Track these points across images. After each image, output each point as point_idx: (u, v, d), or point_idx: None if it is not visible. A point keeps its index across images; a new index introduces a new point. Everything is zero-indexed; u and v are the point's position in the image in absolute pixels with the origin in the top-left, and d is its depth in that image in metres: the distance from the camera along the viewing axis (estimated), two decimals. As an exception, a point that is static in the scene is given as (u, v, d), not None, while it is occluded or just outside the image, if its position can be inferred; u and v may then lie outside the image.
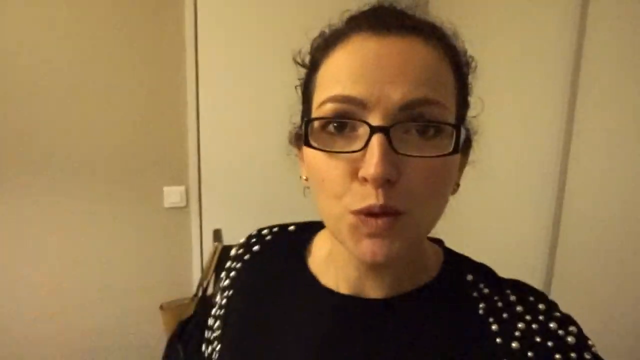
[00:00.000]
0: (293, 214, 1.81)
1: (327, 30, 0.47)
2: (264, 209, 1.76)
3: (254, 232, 0.66)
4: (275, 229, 0.65)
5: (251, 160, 1.72)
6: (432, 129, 0.39)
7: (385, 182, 0.38)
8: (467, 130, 0.47)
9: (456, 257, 0.54)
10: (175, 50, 1.62)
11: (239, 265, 0.62)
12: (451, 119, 0.41)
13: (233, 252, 0.65)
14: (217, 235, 1.68)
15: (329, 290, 0.52)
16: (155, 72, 1.63)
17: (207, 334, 0.63)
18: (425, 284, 0.50)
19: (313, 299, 0.53)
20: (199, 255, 1.73)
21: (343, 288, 0.51)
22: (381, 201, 0.38)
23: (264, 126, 1.71)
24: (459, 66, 0.44)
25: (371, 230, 0.40)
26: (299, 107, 0.51)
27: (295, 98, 0.51)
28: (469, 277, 0.51)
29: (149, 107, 1.63)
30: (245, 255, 0.63)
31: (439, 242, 0.56)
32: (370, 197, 0.39)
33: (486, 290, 0.49)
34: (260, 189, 1.74)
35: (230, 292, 0.61)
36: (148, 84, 1.63)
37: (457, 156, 0.42)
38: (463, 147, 0.45)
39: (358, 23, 0.43)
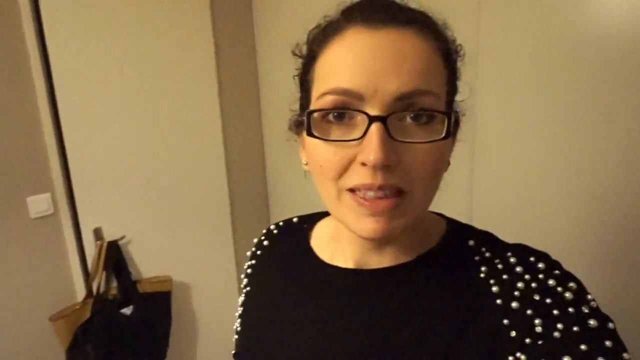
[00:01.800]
0: (172, 201, 1.90)
1: (323, 23, 0.48)
2: (143, 200, 1.78)
3: (264, 230, 0.70)
4: (281, 223, 0.69)
5: (122, 154, 1.70)
6: (425, 116, 0.41)
7: (385, 168, 0.40)
8: (457, 113, 0.49)
9: (458, 225, 0.55)
10: (12, 46, 1.48)
11: (253, 262, 0.68)
12: (442, 106, 0.43)
13: (249, 252, 0.70)
14: (97, 233, 1.67)
15: (336, 267, 0.55)
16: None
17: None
18: (428, 252, 0.52)
19: (320, 275, 0.56)
20: (77, 259, 1.68)
21: (348, 264, 0.54)
22: (379, 181, 0.41)
23: (131, 117, 1.71)
24: (449, 55, 0.46)
25: (374, 210, 0.42)
26: (297, 96, 0.53)
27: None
28: (471, 243, 0.51)
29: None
30: (257, 251, 0.68)
31: (437, 214, 0.58)
32: (367, 177, 0.41)
33: (487, 254, 0.49)
34: (136, 181, 1.76)
35: (248, 288, 0.66)
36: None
37: (449, 139, 0.44)
38: (455, 129, 0.49)
39: (353, 16, 0.44)
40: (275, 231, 0.68)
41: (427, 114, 0.41)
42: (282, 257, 0.63)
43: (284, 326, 0.56)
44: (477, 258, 0.49)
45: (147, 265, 1.82)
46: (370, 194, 0.42)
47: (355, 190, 0.43)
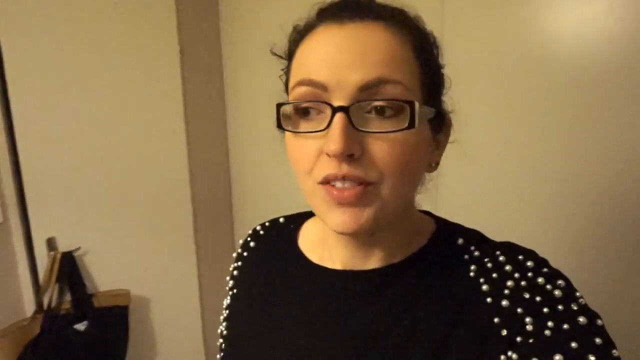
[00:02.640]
0: (132, 211, 1.83)
1: (300, 24, 0.50)
2: (100, 209, 1.70)
3: (250, 231, 0.69)
4: (267, 224, 0.68)
5: (79, 160, 1.63)
6: (388, 109, 0.42)
7: (347, 157, 0.41)
8: (439, 109, 0.49)
9: (447, 224, 0.56)
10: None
11: (239, 263, 0.67)
12: (412, 97, 0.43)
13: (234, 253, 0.69)
14: (51, 244, 1.58)
15: (323, 268, 0.55)
16: None
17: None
18: (417, 251, 0.52)
19: (308, 277, 0.56)
20: (27, 271, 1.58)
21: (337, 264, 0.54)
22: (343, 171, 0.41)
23: (88, 123, 1.64)
24: (421, 48, 0.46)
25: (340, 200, 0.42)
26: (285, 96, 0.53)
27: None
28: (460, 241, 0.52)
29: None
30: (244, 252, 0.67)
31: (427, 213, 0.58)
32: (332, 168, 0.42)
33: (476, 253, 0.50)
34: (94, 189, 1.68)
35: (234, 290, 0.66)
36: None
37: (422, 132, 0.44)
38: (438, 126, 0.49)
39: (325, 15, 0.46)
40: (261, 232, 0.68)
41: (391, 105, 0.42)
42: (269, 258, 0.63)
43: (272, 328, 0.56)
44: (466, 257, 0.50)
45: (104, 278, 1.73)
46: (338, 184, 0.42)
47: (324, 182, 0.43)
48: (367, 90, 0.41)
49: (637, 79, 0.95)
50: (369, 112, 0.42)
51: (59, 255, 1.56)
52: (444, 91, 0.51)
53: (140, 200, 1.79)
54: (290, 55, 0.50)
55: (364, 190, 0.42)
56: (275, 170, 1.86)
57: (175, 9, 1.74)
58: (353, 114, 0.41)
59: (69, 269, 1.59)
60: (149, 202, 1.82)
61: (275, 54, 0.53)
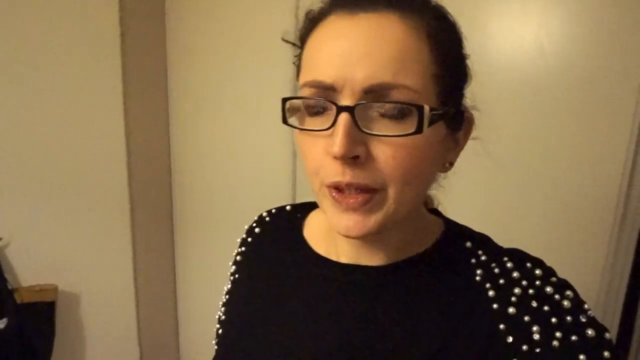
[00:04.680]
0: (61, 199, 1.72)
1: (313, 9, 0.48)
2: (25, 197, 1.57)
3: (256, 217, 0.68)
4: (273, 211, 0.67)
5: (1, 143, 1.51)
6: (397, 111, 0.40)
7: (352, 160, 0.40)
8: (459, 106, 0.47)
9: (455, 226, 0.55)
10: None
11: (243, 248, 0.65)
12: (421, 99, 0.40)
13: (239, 238, 0.67)
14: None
15: (327, 260, 0.54)
16: None
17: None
18: (424, 251, 0.51)
19: (313, 268, 0.55)
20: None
21: (342, 258, 0.53)
22: (347, 179, 0.40)
23: (16, 107, 1.52)
24: (440, 40, 0.43)
25: (346, 206, 0.42)
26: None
27: None
28: (468, 244, 0.51)
29: None
30: (248, 238, 0.66)
31: (435, 212, 0.57)
32: (337, 174, 0.41)
33: (484, 257, 0.49)
34: (18, 175, 1.55)
35: (237, 275, 0.64)
36: None
37: (434, 133, 0.42)
38: (458, 124, 0.46)
39: (337, 2, 0.44)
40: (267, 218, 0.66)
41: (399, 107, 0.40)
42: (274, 245, 0.62)
43: (273, 317, 0.55)
44: (473, 260, 0.49)
45: (29, 271, 1.60)
46: (345, 190, 0.42)
47: (330, 186, 0.43)
48: (372, 92, 0.40)
49: (566, 86, 1.04)
50: (376, 112, 0.41)
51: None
52: (466, 85, 0.48)
53: (70, 187, 1.68)
54: (301, 44, 0.48)
55: (370, 197, 0.41)
56: (216, 161, 1.84)
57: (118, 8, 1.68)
58: (359, 114, 0.39)
59: (-13, 260, 1.46)
60: (80, 190, 1.70)
61: (287, 41, 0.52)
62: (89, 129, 1.69)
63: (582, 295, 0.45)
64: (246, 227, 0.68)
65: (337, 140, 0.39)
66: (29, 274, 1.60)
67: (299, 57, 0.49)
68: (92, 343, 1.81)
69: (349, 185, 0.41)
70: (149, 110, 1.90)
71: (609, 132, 1.01)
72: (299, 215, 0.63)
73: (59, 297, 1.64)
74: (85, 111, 1.67)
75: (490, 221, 1.17)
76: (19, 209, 1.57)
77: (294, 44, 0.51)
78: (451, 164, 0.49)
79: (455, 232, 0.53)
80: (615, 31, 0.97)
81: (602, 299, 1.04)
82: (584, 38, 1.01)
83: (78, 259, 1.73)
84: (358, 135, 0.40)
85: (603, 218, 1.03)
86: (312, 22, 0.46)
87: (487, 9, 1.11)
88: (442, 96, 0.43)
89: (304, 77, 0.44)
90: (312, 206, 0.64)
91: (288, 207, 0.66)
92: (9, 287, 1.51)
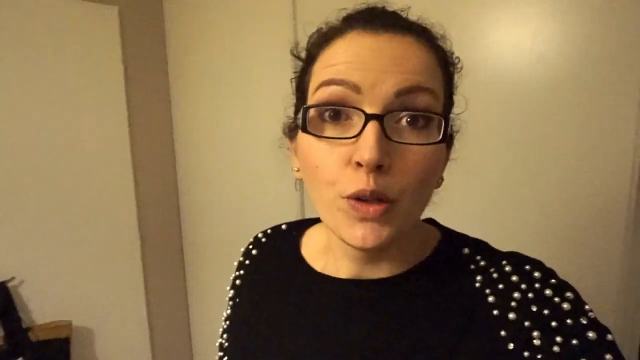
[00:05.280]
0: (73, 236, 1.75)
1: (324, 27, 0.48)
2: (38, 234, 1.60)
3: (252, 239, 0.68)
4: (269, 231, 0.67)
5: (14, 180, 1.54)
6: (421, 120, 0.41)
7: (378, 168, 0.40)
8: (451, 127, 0.49)
9: (452, 234, 0.55)
10: None
11: (241, 272, 0.65)
12: (440, 109, 0.43)
13: (236, 262, 0.67)
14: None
15: (327, 276, 0.54)
16: None
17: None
18: (423, 261, 0.51)
19: (313, 285, 0.55)
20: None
21: (342, 274, 0.53)
22: (372, 186, 0.40)
23: (27, 139, 1.56)
24: (446, 65, 0.46)
25: (363, 215, 0.41)
26: (293, 100, 0.52)
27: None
28: (465, 251, 0.51)
29: None
30: (246, 260, 0.66)
31: (430, 221, 0.57)
32: (361, 182, 0.40)
33: (482, 263, 0.49)
34: (31, 212, 1.58)
35: (237, 300, 0.64)
36: None
37: (444, 148, 0.44)
38: (448, 142, 0.48)
39: (355, 20, 0.45)
40: (263, 239, 0.66)
41: (424, 116, 0.41)
42: (272, 266, 0.62)
43: (274, 337, 0.55)
44: (472, 267, 0.49)
45: (43, 309, 1.62)
46: (368, 199, 0.41)
47: (352, 197, 0.42)
48: (402, 96, 0.40)
49: (563, 94, 1.04)
50: (398, 121, 0.42)
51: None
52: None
53: (82, 224, 1.71)
54: (310, 59, 0.48)
55: (388, 207, 0.41)
56: (225, 188, 1.84)
57: (119, 32, 1.74)
58: (385, 123, 0.40)
59: (1, 301, 1.48)
60: (92, 226, 1.74)
61: (295, 56, 0.52)
62: (98, 170, 1.74)
63: (599, 298, 0.44)
64: (242, 249, 0.67)
65: (369, 147, 0.38)
66: (43, 312, 1.62)
67: (304, 73, 0.49)
68: (107, 378, 1.81)
69: (372, 194, 0.40)
70: (152, 134, 1.93)
71: (613, 135, 1.00)
72: (294, 233, 0.63)
73: (74, 333, 1.66)
74: (94, 156, 1.72)
75: (497, 226, 1.16)
76: (33, 248, 1.61)
77: (299, 58, 0.51)
78: (442, 179, 0.50)
79: (452, 240, 0.53)
80: (615, 33, 0.97)
81: (621, 301, 1.01)
82: (583, 40, 1.02)
83: (91, 294, 1.75)
84: (384, 144, 0.40)
85: (614, 221, 1.01)
86: (325, 37, 0.46)
87: (485, 16, 1.12)
88: (447, 109, 0.46)
89: (320, 78, 0.43)
90: (307, 224, 0.64)
91: (283, 226, 0.66)
92: (24, 326, 1.53)
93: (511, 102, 1.12)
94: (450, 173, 0.52)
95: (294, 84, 0.52)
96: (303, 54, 0.51)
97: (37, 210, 1.61)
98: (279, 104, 0.56)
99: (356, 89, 0.40)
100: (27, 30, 1.55)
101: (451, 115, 0.50)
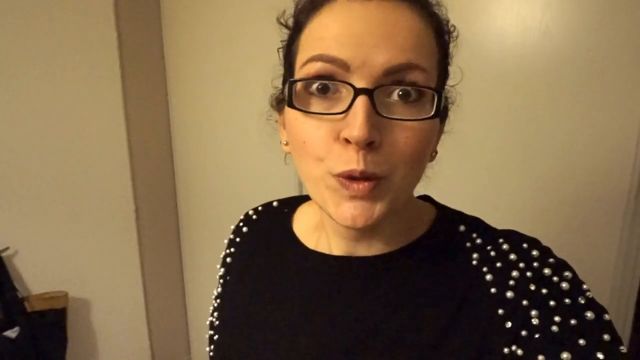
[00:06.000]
0: (68, 206, 1.73)
1: None
2: (33, 205, 1.58)
3: (242, 216, 0.66)
4: (260, 208, 0.66)
5: (8, 152, 1.51)
6: (413, 93, 0.39)
7: (368, 145, 0.38)
8: (446, 99, 0.47)
9: (447, 211, 0.54)
10: None
11: (232, 249, 0.64)
12: (433, 84, 0.41)
13: (226, 240, 0.66)
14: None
15: (319, 253, 0.53)
16: None
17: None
18: (418, 239, 0.50)
19: (304, 263, 0.54)
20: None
21: (335, 251, 0.52)
22: (361, 166, 0.38)
23: (22, 116, 1.52)
24: (441, 34, 0.44)
25: (352, 193, 0.40)
26: (281, 70, 0.50)
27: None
28: (461, 228, 0.50)
29: None
30: (236, 238, 0.64)
31: (426, 198, 0.56)
32: (351, 162, 0.39)
33: (479, 241, 0.48)
34: (25, 183, 1.55)
35: (227, 278, 0.63)
36: None
37: (437, 122, 0.43)
38: (441, 115, 0.46)
39: None
40: (254, 217, 0.65)
41: (415, 90, 0.39)
42: (263, 244, 0.60)
43: (269, 316, 0.54)
44: (468, 245, 0.48)
45: (38, 279, 1.62)
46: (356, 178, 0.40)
47: (341, 175, 0.40)
48: (392, 74, 0.39)
49: (572, 70, 1.02)
50: (389, 95, 0.40)
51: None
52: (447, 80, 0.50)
53: (78, 196, 1.69)
54: (297, 27, 0.45)
55: (377, 183, 0.40)
56: (220, 164, 1.83)
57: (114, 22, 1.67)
58: (375, 98, 0.38)
59: (-4, 271, 1.47)
60: (87, 196, 1.72)
61: (282, 24, 0.49)
62: (91, 138, 1.70)
63: (594, 292, 0.44)
64: (232, 227, 0.66)
65: (358, 124, 0.37)
66: (39, 282, 1.62)
67: (291, 42, 0.46)
68: (103, 348, 1.83)
69: (362, 173, 0.39)
70: (149, 114, 1.91)
71: (619, 115, 0.98)
72: (286, 210, 0.62)
73: (70, 304, 1.66)
74: (87, 120, 1.68)
75: (492, 202, 1.16)
76: (27, 219, 1.59)
77: (285, 26, 0.49)
78: (435, 153, 0.49)
79: (448, 217, 0.52)
80: (629, 13, 0.94)
81: (615, 296, 1.02)
82: (594, 18, 0.98)
83: (87, 265, 1.75)
84: (375, 120, 0.38)
85: (612, 213, 1.01)
86: (313, 4, 0.44)
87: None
88: (440, 83, 0.44)
89: (309, 52, 0.41)
90: (299, 200, 0.63)
91: (275, 203, 0.65)
92: (19, 296, 1.53)
93: (514, 76, 1.09)
94: (445, 147, 0.51)
95: (281, 54, 0.49)
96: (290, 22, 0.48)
97: (30, 181, 1.58)
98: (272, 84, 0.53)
99: (345, 66, 0.39)
100: (22, 24, 1.50)
101: (446, 87, 0.48)
